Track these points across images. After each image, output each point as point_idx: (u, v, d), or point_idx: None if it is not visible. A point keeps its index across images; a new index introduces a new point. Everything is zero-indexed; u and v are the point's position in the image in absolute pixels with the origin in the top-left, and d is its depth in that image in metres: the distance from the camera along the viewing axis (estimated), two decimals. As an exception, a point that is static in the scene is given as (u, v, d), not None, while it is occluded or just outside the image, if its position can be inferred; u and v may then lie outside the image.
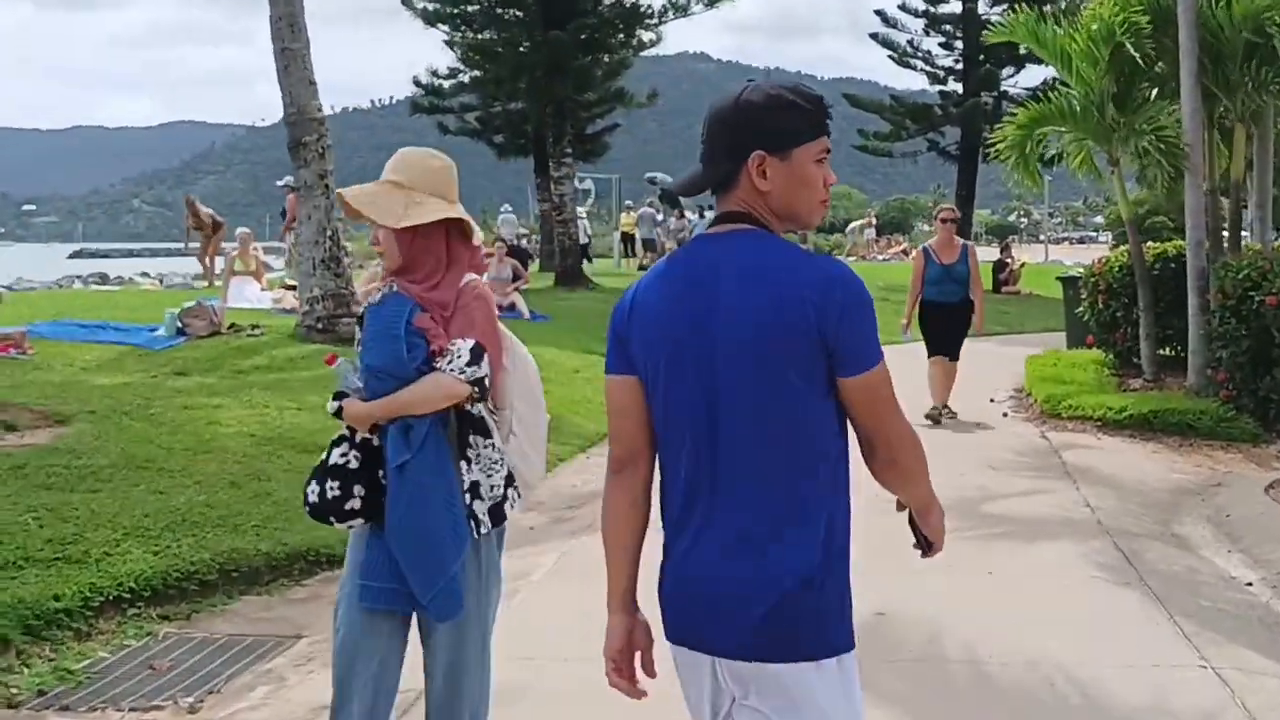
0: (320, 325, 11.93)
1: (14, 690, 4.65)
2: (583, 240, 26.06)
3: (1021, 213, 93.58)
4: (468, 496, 3.27)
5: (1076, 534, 6.64)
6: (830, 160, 2.28)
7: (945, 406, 10.18)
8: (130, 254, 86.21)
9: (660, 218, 31.12)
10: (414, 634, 3.48)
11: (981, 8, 30.87)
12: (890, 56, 32.19)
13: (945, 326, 10.09)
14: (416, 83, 27.85)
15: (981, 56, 30.73)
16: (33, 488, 6.55)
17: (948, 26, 31.80)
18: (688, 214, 29.43)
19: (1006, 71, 31.09)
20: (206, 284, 20.49)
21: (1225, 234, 11.89)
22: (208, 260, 21.02)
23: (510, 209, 34.25)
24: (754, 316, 2.16)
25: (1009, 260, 26.07)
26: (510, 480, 3.39)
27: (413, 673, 3.54)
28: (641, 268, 28.38)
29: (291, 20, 12.13)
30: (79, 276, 27.82)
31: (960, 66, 31.86)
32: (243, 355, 10.91)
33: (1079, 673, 4.57)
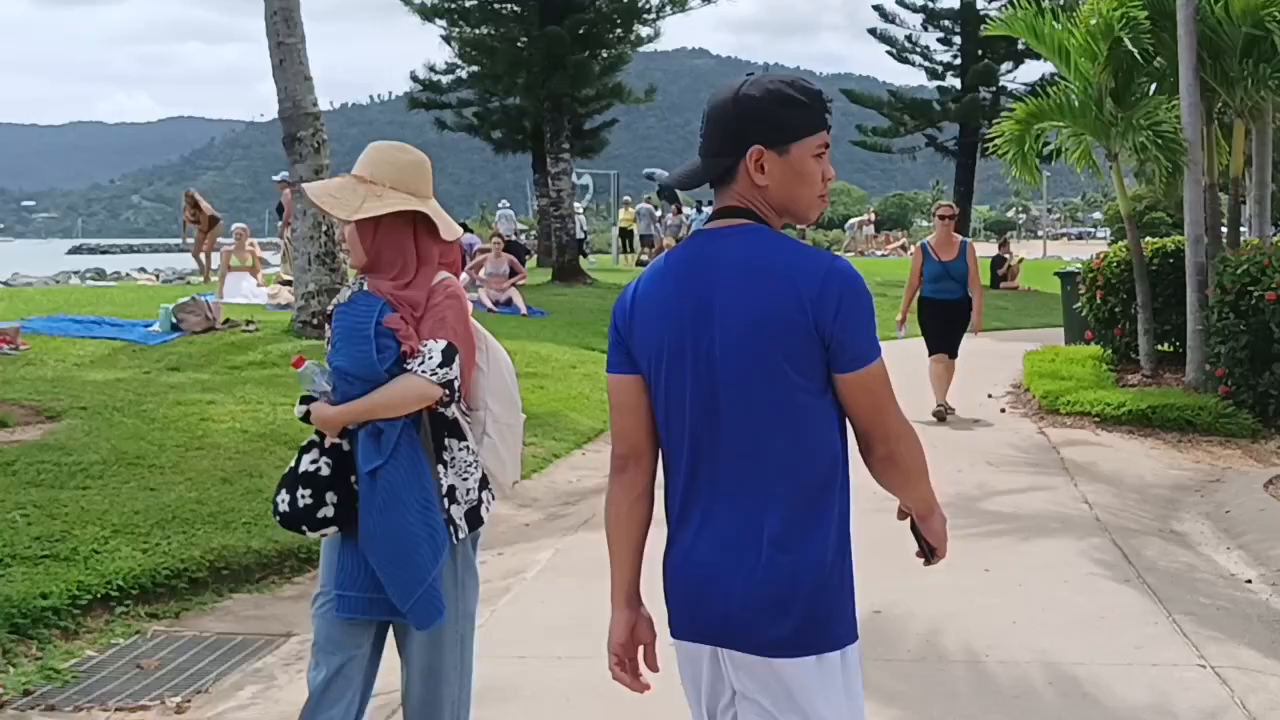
0: (315, 320, 11.86)
1: (-1, 690, 4.61)
2: (578, 236, 25.99)
3: (1020, 208, 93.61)
4: (445, 501, 3.18)
5: (1074, 531, 6.59)
6: (829, 155, 2.27)
7: (946, 410, 10.11)
8: (130, 250, 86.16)
9: (658, 214, 31.08)
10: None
11: (980, 3, 30.82)
12: (889, 52, 32.12)
13: (945, 324, 10.01)
14: (414, 78, 27.82)
15: (980, 52, 30.68)
16: (21, 484, 6.50)
17: (946, 22, 31.73)
18: (685, 209, 29.38)
19: (1005, 67, 31.03)
20: (202, 279, 20.44)
21: (1224, 229, 11.86)
22: (203, 256, 20.96)
23: (508, 205, 34.16)
24: (753, 313, 2.15)
25: (1007, 256, 26.04)
26: (485, 483, 3.30)
27: (393, 674, 3.48)
28: (639, 263, 28.34)
29: (287, 15, 12.07)
30: (76, 272, 27.78)
31: (959, 62, 31.79)
32: (237, 351, 10.86)
33: (1077, 671, 4.53)
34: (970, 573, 5.75)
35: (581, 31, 24.13)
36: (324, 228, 12.08)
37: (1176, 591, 5.56)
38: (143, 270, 27.79)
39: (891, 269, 24.04)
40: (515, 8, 25.09)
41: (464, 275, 16.69)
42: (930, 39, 32.08)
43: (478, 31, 25.66)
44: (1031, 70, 34.25)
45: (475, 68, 26.50)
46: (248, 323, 12.23)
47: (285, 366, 10.14)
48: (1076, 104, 11.51)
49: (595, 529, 6.78)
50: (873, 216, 54.19)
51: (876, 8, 31.96)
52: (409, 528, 3.09)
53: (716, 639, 2.24)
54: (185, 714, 4.54)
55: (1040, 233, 66.93)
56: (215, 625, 5.45)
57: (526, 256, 23.20)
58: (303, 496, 3.17)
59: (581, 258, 25.84)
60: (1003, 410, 10.76)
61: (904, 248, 42.20)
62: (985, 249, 24.23)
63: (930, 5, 31.70)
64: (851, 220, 51.78)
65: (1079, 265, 14.48)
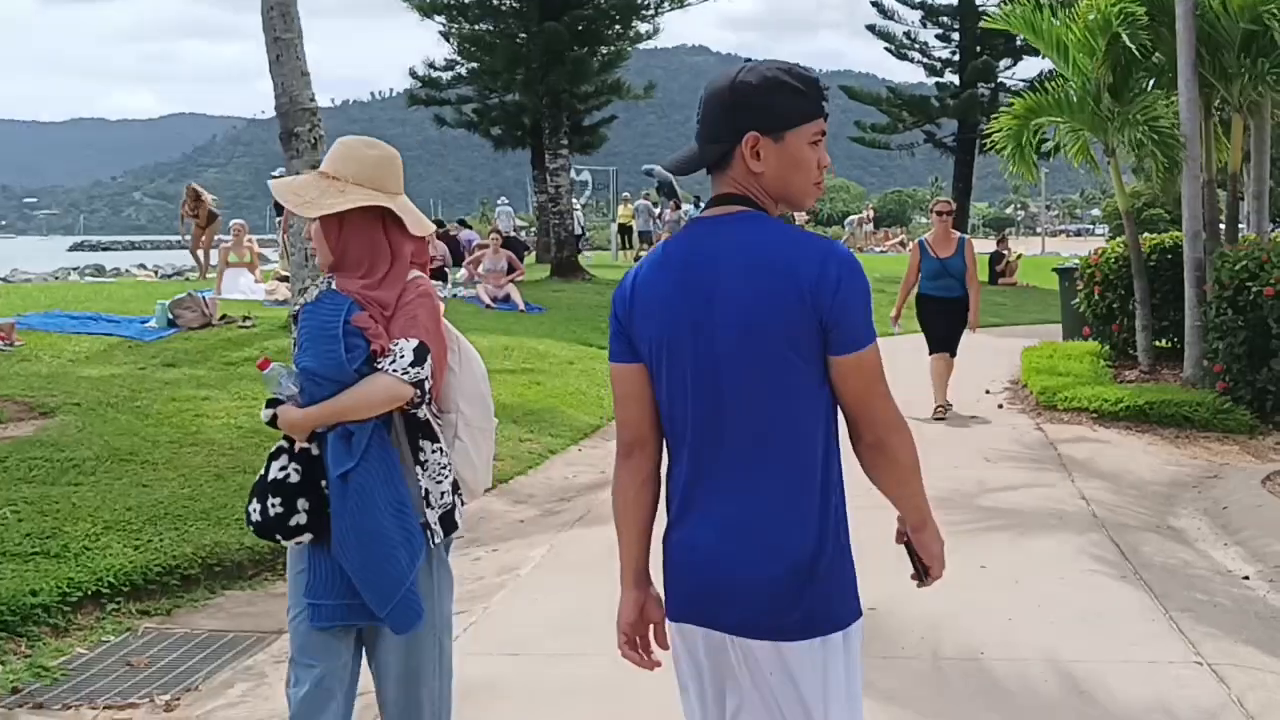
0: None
1: (-12, 687, 4.58)
2: (577, 232, 25.96)
3: (1019, 205, 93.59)
4: (421, 504, 3.10)
5: (1071, 527, 6.55)
6: (825, 143, 2.27)
7: (947, 405, 10.07)
8: (132, 246, 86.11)
9: (657, 210, 31.04)
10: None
11: (979, -1, 30.75)
12: (887, 49, 32.04)
13: (944, 321, 9.95)
14: (413, 74, 27.74)
15: (978, 48, 30.60)
16: (13, 480, 6.47)
17: (945, 18, 31.64)
18: (684, 205, 29.33)
19: (1004, 63, 30.94)
20: (200, 275, 20.41)
21: (1222, 225, 11.82)
22: (200, 252, 20.93)
23: (507, 201, 34.16)
24: (753, 299, 2.16)
25: (1006, 252, 26.02)
26: (457, 487, 3.22)
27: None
28: (638, 259, 28.20)
29: (284, 10, 11.98)
30: (75, 268, 27.76)
31: (957, 58, 31.71)
32: (233, 347, 10.82)
33: (1074, 669, 4.49)
34: (967, 569, 5.71)
35: (580, 28, 24.10)
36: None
37: (1174, 588, 5.53)
38: (142, 267, 27.76)
39: (890, 265, 23.95)
40: (514, 4, 25.03)
41: (462, 271, 16.72)
42: (929, 35, 32.03)
43: (476, 28, 25.60)
44: (1030, 67, 34.28)
45: (474, 64, 26.44)
46: (244, 319, 12.20)
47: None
48: (1075, 99, 11.48)
49: (590, 525, 6.81)
50: (872, 213, 54.18)
51: (875, 4, 31.88)
52: (383, 531, 3.01)
53: (718, 623, 2.24)
54: (174, 712, 4.51)
55: (1039, 229, 66.95)
56: (207, 622, 5.43)
57: (525, 253, 23.16)
58: (273, 505, 3.06)
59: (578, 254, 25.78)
60: (1000, 406, 10.72)
61: (902, 244, 42.19)
62: (984, 245, 24.21)
63: (929, 2, 31.63)
64: (851, 217, 51.78)
65: (1077, 261, 14.46)
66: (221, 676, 4.81)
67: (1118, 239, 13.54)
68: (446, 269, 18.80)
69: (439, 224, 24.60)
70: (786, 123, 2.21)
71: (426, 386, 3.07)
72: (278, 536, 3.10)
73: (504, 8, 25.25)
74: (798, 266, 2.15)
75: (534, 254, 27.16)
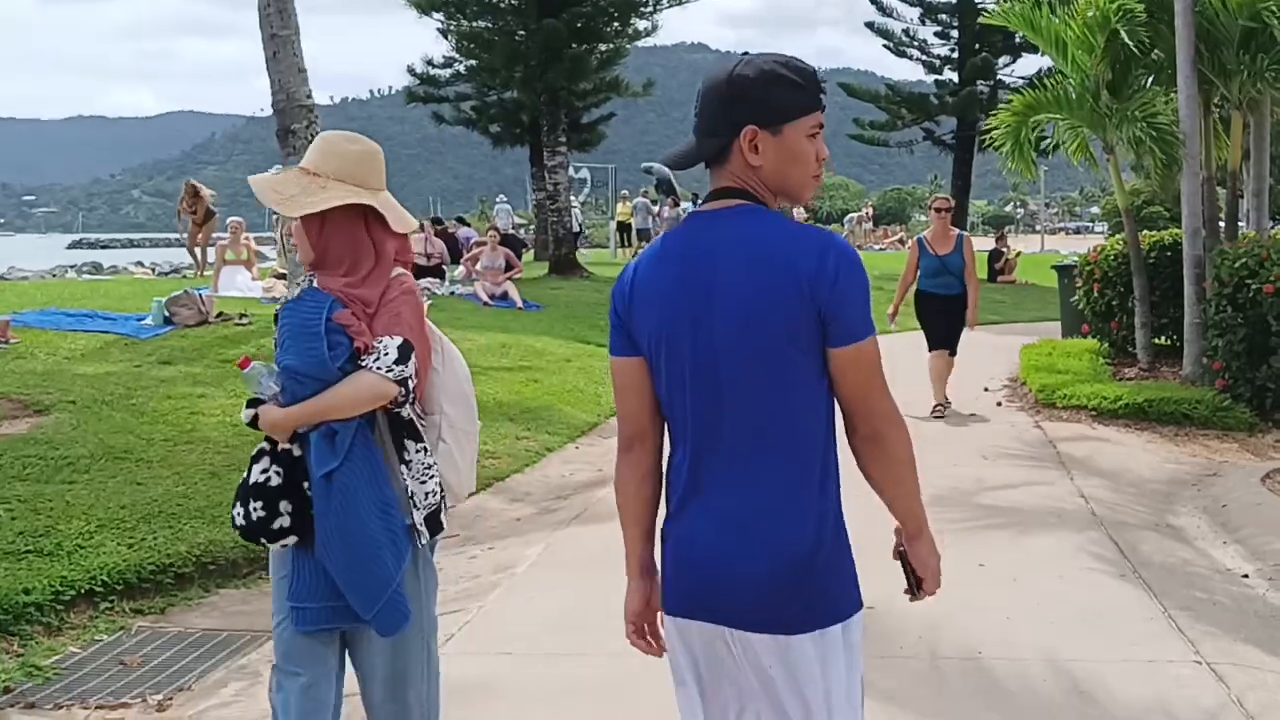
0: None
1: (-21, 687, 4.55)
2: (574, 229, 25.92)
3: (1018, 203, 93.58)
4: (409, 504, 3.05)
5: (1070, 525, 6.52)
6: (824, 135, 2.27)
7: (946, 402, 10.03)
8: (131, 244, 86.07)
9: (656, 208, 31.00)
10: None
11: (977, -4, 30.72)
12: (886, 46, 32.05)
13: (943, 319, 9.89)
14: (411, 72, 27.73)
15: (977, 45, 30.60)
16: (6, 479, 6.44)
17: (943, 15, 31.65)
18: (683, 203, 29.29)
19: (1003, 60, 30.95)
20: (197, 273, 20.38)
21: (1222, 223, 11.79)
22: (198, 250, 20.89)
23: (505, 199, 34.11)
24: (753, 292, 2.16)
25: (1005, 250, 25.99)
26: (442, 487, 3.16)
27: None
28: (636, 257, 28.10)
29: (281, 6, 11.94)
30: (72, 266, 27.71)
31: (956, 55, 31.71)
32: (230, 344, 10.78)
33: (1073, 669, 4.46)
34: (965, 568, 5.68)
35: (579, 25, 24.08)
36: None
37: (1173, 587, 5.50)
38: (139, 264, 27.72)
39: (889, 263, 23.91)
40: (513, 1, 25.00)
41: (460, 268, 16.67)
42: (928, 33, 32.07)
43: (475, 25, 25.58)
44: (1029, 64, 34.32)
45: (473, 61, 26.42)
46: (241, 316, 12.16)
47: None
48: (1074, 96, 11.45)
49: (587, 524, 6.78)
50: (871, 211, 54.17)
51: (874, 1, 31.88)
52: (368, 532, 2.95)
53: (716, 617, 2.24)
54: (166, 712, 4.48)
55: (1038, 227, 66.95)
56: (201, 621, 5.39)
57: (523, 250, 23.14)
58: (255, 510, 3.01)
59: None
60: (999, 404, 10.69)
61: (901, 242, 42.22)
62: (983, 243, 24.16)
63: (928, -2, 31.64)
64: (850, 214, 51.78)
65: (1076, 259, 14.43)
66: (215, 676, 4.78)
67: (1117, 236, 13.51)
68: (444, 266, 18.78)
69: (437, 222, 24.58)
70: (784, 116, 2.20)
71: (411, 385, 3.02)
72: (262, 540, 3.05)
73: (502, 5, 25.23)
74: (797, 259, 2.15)
75: (532, 251, 27.14)
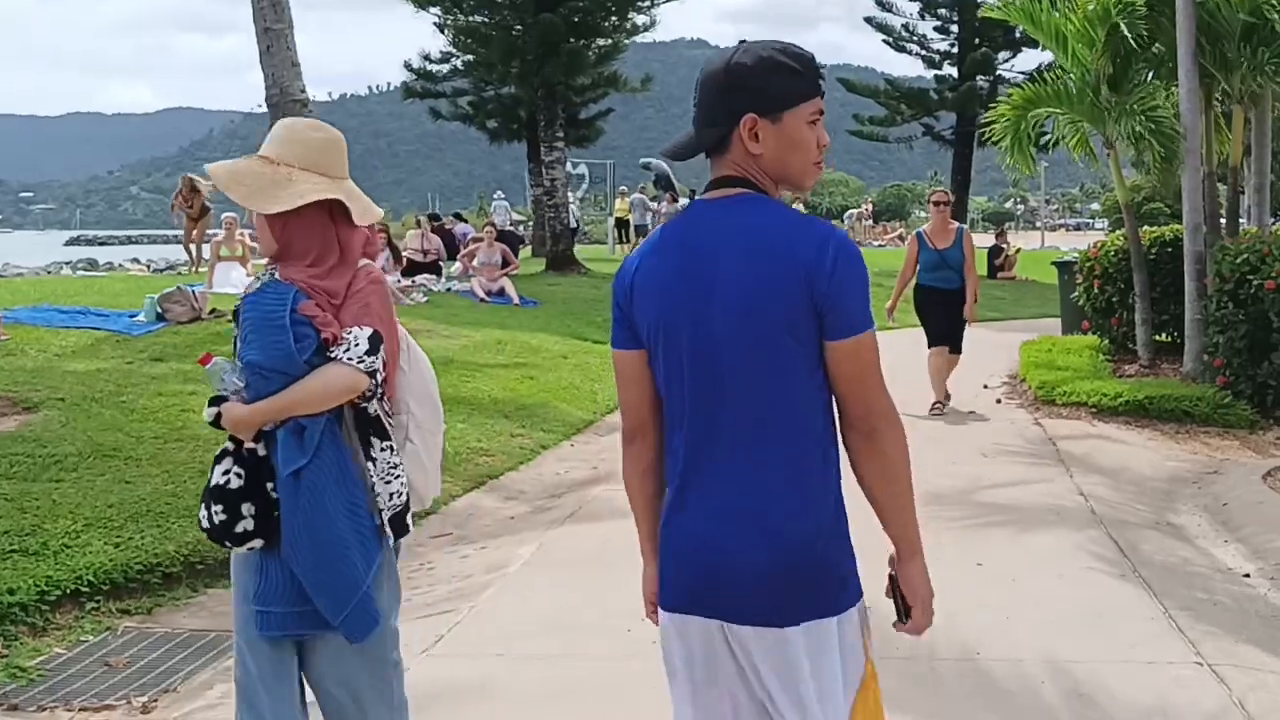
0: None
1: (-39, 689, 4.48)
2: (571, 225, 25.84)
3: (1018, 199, 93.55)
4: (375, 504, 2.95)
5: (1070, 524, 6.45)
6: (824, 122, 2.25)
7: (945, 398, 9.94)
8: (128, 241, 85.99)
9: (653, 204, 30.94)
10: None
11: (977, -10, 30.62)
12: (885, 40, 31.94)
13: (944, 314, 9.78)
14: (408, 67, 27.63)
15: (977, 40, 30.52)
16: (-7, 477, 6.36)
17: (943, 10, 31.53)
18: (681, 199, 29.22)
19: (1002, 55, 30.88)
20: (192, 269, 20.30)
21: (1223, 219, 11.73)
22: (193, 246, 20.80)
23: (503, 195, 34.05)
24: (754, 282, 2.14)
25: (1005, 246, 25.93)
26: (407, 490, 3.05)
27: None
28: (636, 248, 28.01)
29: (274, 0, 11.89)
30: (68, 262, 27.65)
31: (955, 50, 31.61)
32: (222, 341, 10.67)
33: (1072, 670, 4.39)
34: (963, 567, 5.63)
35: (576, 19, 23.99)
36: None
37: (1173, 586, 5.43)
38: (135, 261, 27.65)
39: (889, 259, 23.78)
40: (510, -5, 24.91)
41: (457, 264, 16.59)
42: (927, 27, 31.95)
43: (472, 19, 25.49)
44: (1029, 59, 34.26)
45: (470, 56, 26.33)
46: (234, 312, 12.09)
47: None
48: (1074, 91, 11.38)
49: (581, 522, 6.71)
50: (871, 207, 54.13)
51: (874, -4, 31.79)
52: (336, 532, 2.85)
53: (716, 611, 2.22)
54: (151, 714, 4.41)
55: (1038, 223, 66.91)
56: (188, 622, 5.32)
57: (520, 246, 23.07)
58: (216, 513, 2.89)
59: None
60: (998, 401, 10.62)
61: (901, 238, 42.13)
62: (983, 239, 24.08)
63: (927, -7, 31.54)
64: (850, 210, 51.72)
65: (1076, 255, 14.36)
66: (201, 677, 4.71)
67: (1117, 231, 13.45)
68: (441, 263, 18.71)
69: (434, 218, 24.50)
70: (783, 103, 2.19)
71: (380, 377, 2.93)
72: (227, 544, 2.95)
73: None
74: (796, 249, 2.13)
75: (530, 248, 27.06)
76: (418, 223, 21.51)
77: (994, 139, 12.20)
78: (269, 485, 2.90)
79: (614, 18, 24.94)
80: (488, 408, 9.41)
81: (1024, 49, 30.01)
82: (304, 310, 2.88)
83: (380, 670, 3.06)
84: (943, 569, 5.38)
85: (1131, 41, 10.56)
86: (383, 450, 2.98)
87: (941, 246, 9.78)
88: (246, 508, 2.89)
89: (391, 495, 2.98)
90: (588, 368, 11.73)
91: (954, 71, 31.63)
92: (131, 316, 11.64)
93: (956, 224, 10.08)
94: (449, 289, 17.38)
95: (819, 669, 2.19)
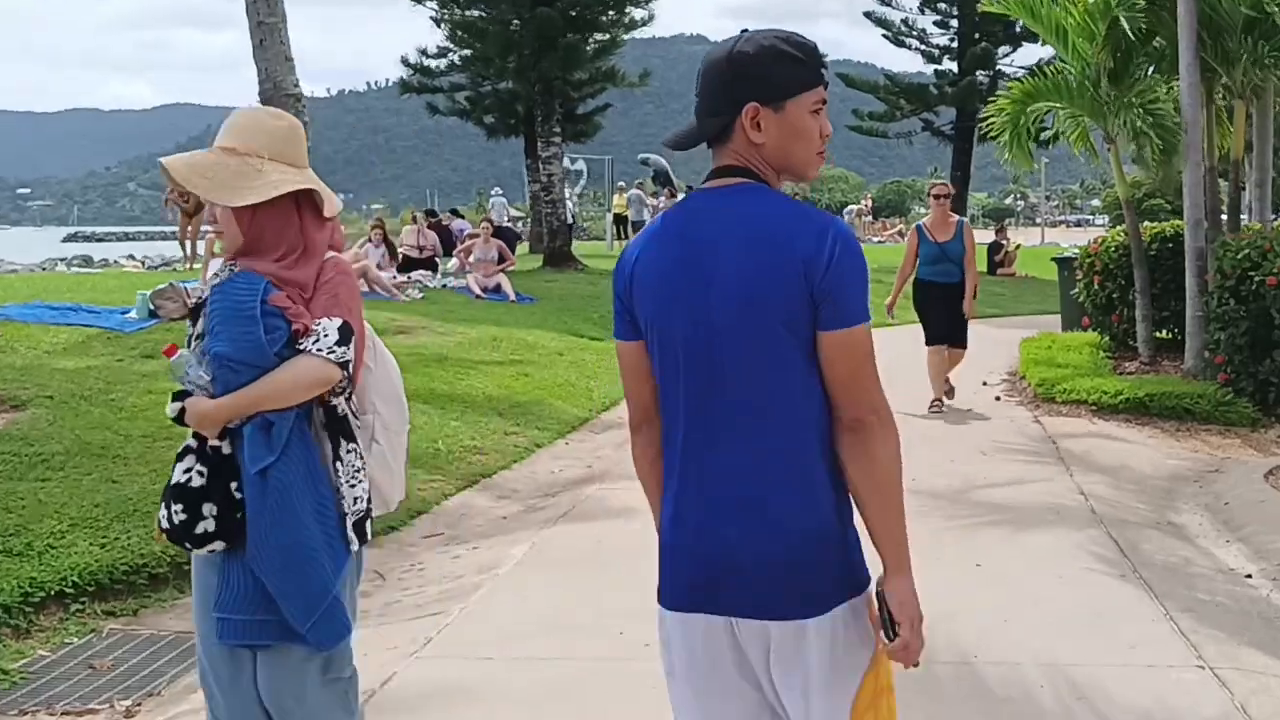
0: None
1: (-59, 692, 4.41)
2: (568, 221, 25.76)
3: (1018, 195, 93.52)
4: (340, 507, 2.85)
5: (1069, 523, 6.38)
6: (827, 111, 2.23)
7: (946, 393, 9.84)
8: (126, 237, 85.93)
9: (650, 200, 30.86)
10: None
11: (978, -15, 30.50)
12: (885, 35, 31.86)
13: (944, 308, 9.68)
14: (405, 62, 27.56)
15: (977, 35, 30.42)
16: (-22, 476, 6.28)
17: (943, 4, 31.44)
18: (679, 195, 29.14)
19: (1003, 50, 30.78)
20: (187, 265, 20.22)
21: (1224, 215, 11.65)
22: (187, 242, 20.73)
23: (501, 191, 33.97)
24: (753, 271, 2.12)
25: (1004, 243, 25.87)
26: (369, 495, 2.94)
27: (364, 674, 3.24)
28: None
29: (268, -6, 11.80)
30: (63, 259, 27.57)
31: (955, 45, 31.53)
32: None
33: (1071, 674, 4.32)
34: (961, 568, 5.56)
35: (573, 14, 23.91)
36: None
37: (1174, 587, 5.35)
38: (131, 257, 27.57)
39: (889, 255, 23.75)
40: (507, -11, 24.82)
41: (453, 260, 16.48)
42: (927, 22, 31.85)
43: (468, 14, 25.41)
44: (1029, 54, 34.09)
45: (467, 51, 26.25)
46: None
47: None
48: (1074, 85, 11.30)
49: (575, 521, 6.63)
50: (870, 204, 54.09)
51: (873, -10, 31.70)
52: (305, 534, 2.74)
53: (721, 608, 2.18)
54: (135, 718, 4.34)
55: (1038, 220, 66.86)
56: (174, 624, 5.23)
57: (517, 242, 22.99)
58: (176, 513, 2.76)
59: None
60: (998, 399, 10.54)
61: (900, 234, 42.08)
62: (983, 235, 24.02)
63: (927, -13, 31.44)
64: (850, 206, 51.66)
65: (1076, 251, 14.28)
66: (186, 680, 4.61)
67: (1118, 228, 13.38)
68: (437, 259, 18.63)
69: (430, 214, 24.42)
70: (786, 92, 2.17)
71: (351, 369, 2.83)
72: (187, 545, 2.82)
73: (497, -7, 25.05)
74: (796, 239, 2.10)
75: (527, 244, 26.98)
76: (414, 219, 21.42)
77: (993, 134, 12.12)
78: (233, 485, 2.78)
79: (611, 12, 24.86)
80: (482, 405, 9.33)
81: (1024, 43, 29.92)
82: (274, 301, 2.77)
83: (334, 686, 2.93)
84: (942, 569, 5.39)
85: (1129, 34, 10.48)
86: (348, 453, 2.87)
87: (942, 239, 9.68)
88: (208, 508, 2.77)
89: (355, 500, 2.87)
90: (583, 365, 11.65)
91: (954, 66, 31.54)
92: (123, 313, 11.55)
93: (957, 217, 9.99)
94: (445, 285, 17.30)
95: (827, 659, 2.15)
